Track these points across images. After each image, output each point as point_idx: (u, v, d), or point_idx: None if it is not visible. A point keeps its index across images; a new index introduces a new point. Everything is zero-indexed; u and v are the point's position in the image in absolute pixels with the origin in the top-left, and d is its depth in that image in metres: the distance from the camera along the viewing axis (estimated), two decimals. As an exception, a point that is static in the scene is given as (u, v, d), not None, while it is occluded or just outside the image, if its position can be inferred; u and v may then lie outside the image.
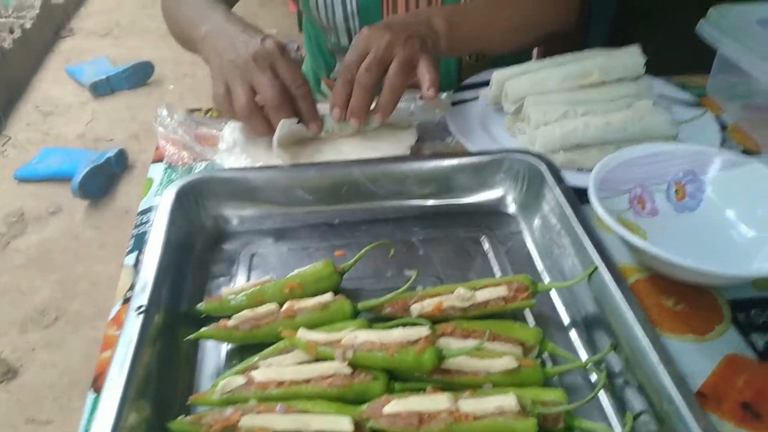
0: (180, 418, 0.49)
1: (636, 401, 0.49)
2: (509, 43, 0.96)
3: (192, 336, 0.55)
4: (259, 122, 0.77)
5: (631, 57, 0.82)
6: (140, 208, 0.78)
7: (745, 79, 0.88)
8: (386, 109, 0.79)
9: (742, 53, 0.83)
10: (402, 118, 0.85)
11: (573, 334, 0.58)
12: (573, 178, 0.69)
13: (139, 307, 0.53)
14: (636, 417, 0.48)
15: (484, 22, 0.91)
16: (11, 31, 3.33)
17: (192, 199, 0.69)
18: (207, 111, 0.96)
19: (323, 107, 0.81)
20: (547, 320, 0.59)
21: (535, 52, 1.24)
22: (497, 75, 0.86)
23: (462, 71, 1.08)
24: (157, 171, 0.83)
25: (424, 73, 0.77)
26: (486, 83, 0.91)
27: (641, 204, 0.69)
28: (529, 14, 0.96)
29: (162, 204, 0.65)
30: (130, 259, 0.70)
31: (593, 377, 0.54)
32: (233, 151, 0.82)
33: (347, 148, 0.81)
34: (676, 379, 0.45)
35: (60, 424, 1.68)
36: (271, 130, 0.77)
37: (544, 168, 0.68)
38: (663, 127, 0.77)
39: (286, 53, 0.77)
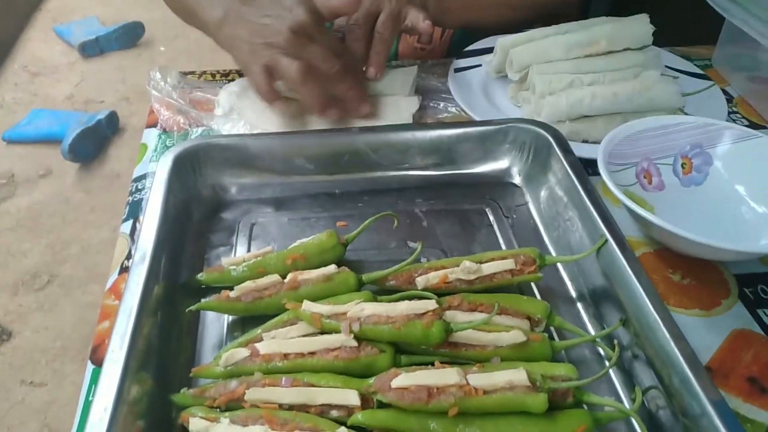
0: (183, 390, 0.48)
1: (644, 375, 0.49)
2: (503, 17, 0.93)
3: (194, 307, 0.54)
4: (317, 87, 0.72)
5: (640, 25, 0.80)
6: (135, 175, 0.76)
7: (751, 51, 0.86)
8: (378, 61, 0.79)
9: (752, 22, 0.81)
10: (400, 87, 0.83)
11: (580, 308, 0.57)
12: (577, 150, 0.67)
13: None
14: (645, 392, 0.48)
15: None
16: (-5, -13, 3.24)
17: (189, 167, 0.67)
18: (201, 74, 0.93)
19: None
20: (554, 294, 0.59)
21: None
22: (502, 42, 0.84)
23: None
24: (151, 137, 0.81)
25: (416, 14, 0.77)
26: (487, 50, 0.89)
27: (648, 178, 0.68)
28: None
29: (159, 171, 0.63)
30: (126, 227, 0.68)
31: (600, 350, 0.53)
32: (230, 117, 0.80)
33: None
34: (687, 354, 0.45)
35: (53, 387, 1.68)
36: (327, 101, 0.74)
37: (551, 138, 0.67)
38: (670, 98, 0.75)
39: (320, 21, 0.73)
